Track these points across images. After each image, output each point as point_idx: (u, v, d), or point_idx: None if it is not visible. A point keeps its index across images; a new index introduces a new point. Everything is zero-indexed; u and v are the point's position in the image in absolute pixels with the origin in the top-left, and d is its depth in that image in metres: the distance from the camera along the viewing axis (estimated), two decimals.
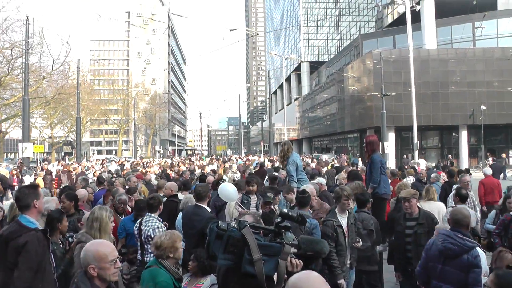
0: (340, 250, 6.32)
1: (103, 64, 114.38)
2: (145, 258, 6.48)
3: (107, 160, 48.18)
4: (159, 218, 6.87)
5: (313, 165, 23.20)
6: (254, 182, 8.33)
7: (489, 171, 14.12)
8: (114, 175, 17.15)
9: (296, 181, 9.68)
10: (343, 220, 6.47)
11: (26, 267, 4.24)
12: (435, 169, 21.94)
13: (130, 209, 8.59)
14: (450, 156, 43.20)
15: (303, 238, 2.92)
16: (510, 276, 3.20)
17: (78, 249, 4.93)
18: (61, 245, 5.57)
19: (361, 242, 6.55)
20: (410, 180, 14.22)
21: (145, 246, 6.55)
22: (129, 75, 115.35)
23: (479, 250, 4.93)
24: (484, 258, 5.14)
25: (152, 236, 6.19)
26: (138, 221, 6.91)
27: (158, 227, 6.61)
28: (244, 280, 2.96)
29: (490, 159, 39.54)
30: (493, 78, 45.00)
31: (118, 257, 3.64)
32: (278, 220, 2.90)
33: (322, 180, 10.89)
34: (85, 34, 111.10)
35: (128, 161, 39.54)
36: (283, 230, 2.85)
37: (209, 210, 7.14)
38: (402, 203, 6.86)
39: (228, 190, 7.65)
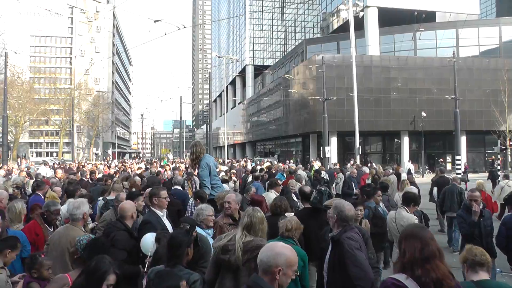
0: None
1: (44, 61, 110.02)
2: None
3: (41, 163, 40.45)
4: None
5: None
6: None
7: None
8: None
9: (209, 187, 8.57)
10: None
11: None
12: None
13: None
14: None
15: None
16: None
17: None
18: None
19: None
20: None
21: None
22: (71, 73, 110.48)
23: None
24: None
25: None
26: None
27: None
28: None
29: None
30: (432, 86, 46.17)
31: None
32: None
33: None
34: (24, 28, 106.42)
35: (62, 165, 35.09)
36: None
37: None
38: None
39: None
